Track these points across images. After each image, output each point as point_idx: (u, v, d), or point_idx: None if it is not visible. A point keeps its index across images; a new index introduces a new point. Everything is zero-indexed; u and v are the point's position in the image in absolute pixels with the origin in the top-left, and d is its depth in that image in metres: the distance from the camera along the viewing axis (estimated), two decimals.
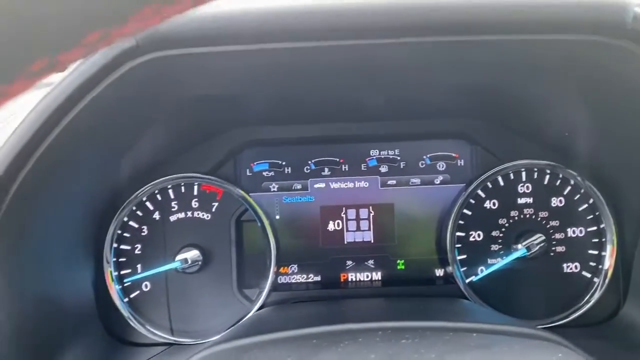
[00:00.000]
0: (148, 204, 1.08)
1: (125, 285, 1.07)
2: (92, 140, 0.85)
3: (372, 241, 1.13)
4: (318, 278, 1.13)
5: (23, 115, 0.74)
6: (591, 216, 1.09)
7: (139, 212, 1.08)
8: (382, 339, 0.73)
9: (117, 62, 0.70)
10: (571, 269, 1.09)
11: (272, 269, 1.09)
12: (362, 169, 1.13)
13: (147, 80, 0.75)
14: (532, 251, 1.07)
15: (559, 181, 1.09)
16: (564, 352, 0.69)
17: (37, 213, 0.84)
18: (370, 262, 1.13)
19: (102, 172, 0.98)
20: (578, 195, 1.09)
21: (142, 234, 1.08)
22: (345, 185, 1.13)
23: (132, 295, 1.08)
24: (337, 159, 1.13)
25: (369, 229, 1.13)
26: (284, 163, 1.13)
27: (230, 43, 0.65)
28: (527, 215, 1.09)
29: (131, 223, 1.08)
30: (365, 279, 1.13)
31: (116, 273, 1.07)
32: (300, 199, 1.13)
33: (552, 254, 1.09)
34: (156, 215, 1.08)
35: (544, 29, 0.68)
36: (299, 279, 1.13)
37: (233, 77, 0.80)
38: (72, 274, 0.99)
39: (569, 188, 1.09)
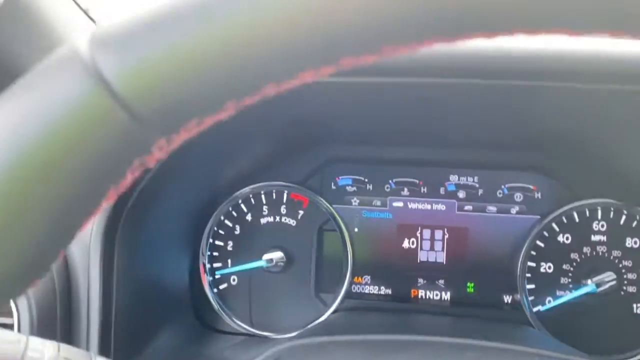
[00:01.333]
0: (242, 205, 1.20)
1: (216, 277, 1.20)
2: (201, 157, 0.98)
3: (445, 262, 1.19)
4: (389, 291, 1.20)
5: None
6: None
7: (234, 213, 1.20)
8: (446, 352, 0.80)
9: None
10: None
11: (348, 277, 1.18)
12: (441, 192, 1.20)
13: (255, 109, 0.86)
14: (602, 288, 1.09)
15: (635, 222, 1.11)
16: None
17: (152, 209, 0.97)
18: (441, 282, 1.19)
19: (206, 181, 1.11)
20: None
21: (235, 232, 1.20)
22: (423, 206, 1.20)
23: (221, 287, 1.20)
24: (417, 181, 1.20)
25: (443, 250, 1.19)
26: (366, 180, 1.21)
27: (334, 75, 0.75)
28: (600, 253, 1.12)
29: (226, 222, 1.20)
30: (435, 297, 1.19)
31: (209, 265, 1.19)
32: (378, 215, 1.21)
33: (622, 293, 1.11)
34: (248, 217, 1.20)
35: (618, 79, 0.73)
36: (371, 290, 1.21)
37: (333, 106, 0.90)
38: (174, 266, 1.13)
39: None
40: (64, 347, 0.64)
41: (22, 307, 0.78)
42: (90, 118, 0.32)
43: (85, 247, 0.86)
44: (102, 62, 0.32)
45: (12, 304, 0.80)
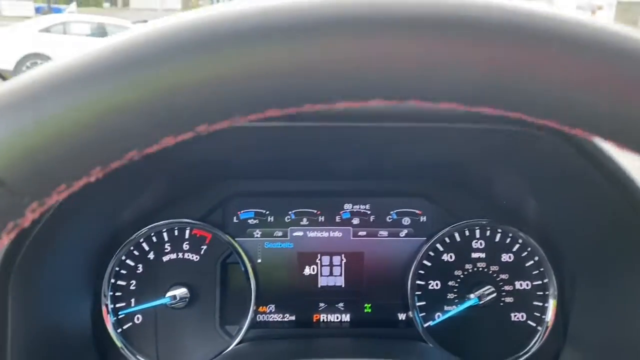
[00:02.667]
0: (144, 244, 1.22)
1: (120, 317, 1.20)
2: (98, 198, 0.99)
3: (343, 286, 1.26)
4: (293, 318, 1.26)
5: None
6: (536, 271, 1.23)
7: (135, 252, 1.21)
8: None
9: None
10: (518, 318, 1.23)
11: (252, 307, 1.22)
12: (337, 220, 1.28)
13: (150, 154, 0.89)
14: (483, 301, 1.20)
15: (508, 239, 1.24)
16: None
17: (48, 253, 0.97)
18: (341, 305, 1.26)
19: (106, 219, 1.12)
20: (525, 253, 1.24)
21: (137, 271, 1.21)
22: (321, 234, 1.27)
23: (125, 327, 1.20)
24: (315, 211, 1.27)
25: (341, 275, 1.27)
26: (267, 212, 1.27)
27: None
28: (480, 268, 1.24)
29: (128, 261, 1.21)
30: (336, 320, 1.26)
31: (112, 306, 1.19)
32: (280, 245, 1.27)
33: (501, 303, 1.23)
34: (151, 255, 1.22)
35: (478, 119, 0.84)
36: (275, 318, 1.26)
37: (230, 148, 0.95)
38: (74, 306, 1.12)
39: (517, 245, 1.24)
40: None
41: None
42: None
43: None
44: None
45: None
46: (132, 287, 1.21)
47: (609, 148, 0.87)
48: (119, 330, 1.19)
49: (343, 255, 1.27)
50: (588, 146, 0.85)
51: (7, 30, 12.03)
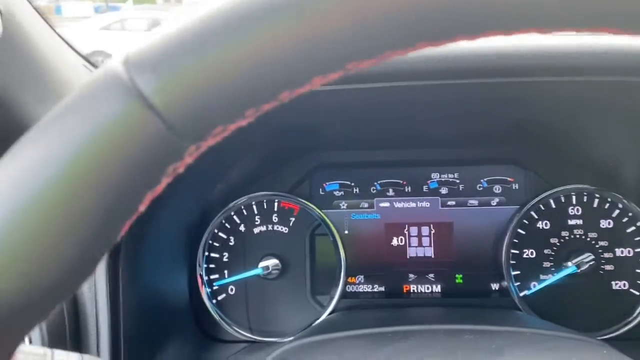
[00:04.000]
0: (235, 217, 1.24)
1: (214, 288, 1.23)
2: (196, 170, 1.01)
3: (433, 256, 1.24)
4: (382, 288, 1.25)
5: None
6: (638, 237, 1.17)
7: (227, 225, 1.24)
8: (444, 337, 0.85)
9: None
10: (619, 286, 1.18)
11: (342, 278, 1.22)
12: (424, 190, 1.25)
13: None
14: (582, 269, 1.16)
15: (607, 204, 1.19)
16: (610, 351, 0.79)
17: (150, 225, 1.00)
18: (431, 275, 1.24)
19: (199, 194, 1.15)
20: (626, 219, 1.18)
21: (230, 243, 1.23)
22: (408, 205, 1.26)
23: (219, 298, 1.23)
24: (401, 181, 1.26)
25: (430, 245, 1.25)
26: (352, 184, 1.26)
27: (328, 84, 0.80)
28: (578, 236, 1.19)
29: (220, 234, 1.23)
30: (426, 291, 1.24)
31: (206, 278, 1.22)
32: (367, 217, 1.26)
33: (601, 272, 1.18)
34: (242, 228, 1.24)
35: (590, 72, 0.80)
36: (365, 289, 1.25)
37: (320, 112, 0.95)
38: (174, 279, 1.16)
39: (617, 211, 1.18)
40: (88, 357, 0.67)
41: None
42: (131, 131, 0.36)
43: None
44: (139, 80, 0.36)
45: None
46: (225, 259, 1.23)
47: None
48: (214, 301, 1.22)
49: (432, 226, 1.25)
50: None
51: (69, 30, 12.54)
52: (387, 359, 0.72)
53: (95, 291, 0.90)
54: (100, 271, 0.88)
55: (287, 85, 0.38)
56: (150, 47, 0.37)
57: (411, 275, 1.25)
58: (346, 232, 1.26)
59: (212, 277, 1.23)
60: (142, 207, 0.40)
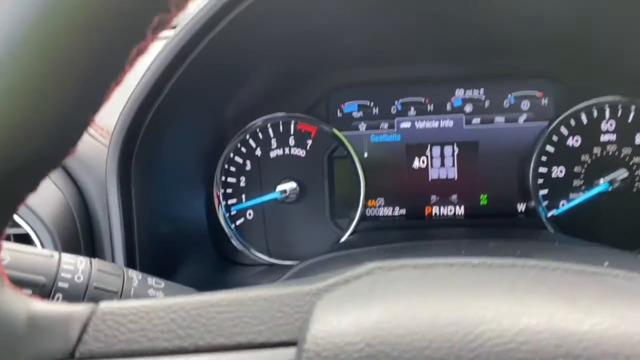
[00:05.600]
0: (251, 141, 1.20)
1: (232, 213, 1.21)
2: (204, 86, 0.97)
3: (456, 178, 1.19)
4: (403, 211, 1.22)
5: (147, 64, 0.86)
6: None
7: (242, 149, 1.21)
8: (468, 247, 0.82)
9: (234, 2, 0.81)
10: None
11: (361, 201, 1.19)
12: (447, 108, 1.19)
13: (256, 20, 0.85)
14: (615, 186, 1.10)
15: None
16: None
17: (162, 142, 0.98)
18: (454, 197, 1.20)
19: (213, 111, 1.11)
20: None
21: (246, 168, 1.21)
22: (431, 124, 1.20)
23: (237, 222, 1.21)
24: (423, 99, 1.20)
25: (453, 166, 1.19)
26: (371, 104, 1.21)
27: None
28: (611, 152, 1.12)
29: (236, 158, 1.21)
30: (449, 213, 1.20)
31: (224, 202, 1.20)
32: (387, 138, 1.21)
33: (635, 189, 1.11)
34: (258, 152, 1.21)
35: None
36: (385, 212, 1.22)
37: (333, 16, 0.89)
38: (190, 201, 1.15)
39: None
40: (97, 261, 0.66)
41: (40, 230, 0.80)
42: None
43: (101, 178, 0.87)
44: None
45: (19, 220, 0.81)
46: (242, 184, 1.21)
47: None
48: (232, 225, 1.21)
49: (455, 145, 1.19)
50: None
51: None
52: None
53: (109, 212, 0.88)
54: (112, 184, 0.86)
55: None
56: None
57: (433, 197, 1.20)
58: (365, 154, 1.21)
59: (229, 201, 1.21)
60: (128, 66, 0.36)
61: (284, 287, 0.41)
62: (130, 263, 0.88)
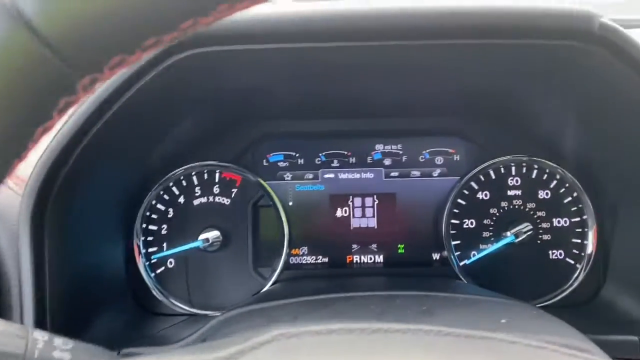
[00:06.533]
0: (174, 188, 1.20)
1: (153, 261, 1.19)
2: (127, 135, 0.97)
3: (376, 227, 1.24)
4: (326, 259, 1.25)
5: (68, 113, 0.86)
6: (575, 208, 1.20)
7: (165, 196, 1.20)
8: (379, 301, 0.85)
9: (161, 58, 0.82)
10: (556, 255, 1.20)
11: (285, 250, 1.21)
12: (368, 161, 1.25)
13: (184, 74, 0.87)
14: (520, 238, 1.18)
15: (545, 175, 1.21)
16: (540, 312, 0.81)
17: (80, 192, 0.96)
18: (374, 245, 1.24)
19: (135, 161, 1.11)
20: (563, 189, 1.20)
21: (168, 215, 1.20)
22: (353, 176, 1.25)
23: (158, 271, 1.19)
24: (345, 152, 1.25)
25: (373, 216, 1.24)
26: (297, 155, 1.25)
27: (262, 42, 0.78)
28: (516, 206, 1.21)
29: (159, 206, 1.20)
30: (369, 261, 1.24)
31: (144, 250, 1.18)
32: (311, 188, 1.25)
33: (539, 241, 1.20)
34: (181, 199, 1.20)
35: (521, 34, 0.80)
36: (309, 260, 1.24)
37: (261, 73, 0.92)
38: (107, 251, 1.12)
39: (554, 182, 1.21)
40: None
41: None
42: (13, 55, 0.33)
43: (13, 231, 0.84)
44: (21, 3, 0.33)
45: None
46: (163, 232, 1.20)
47: None
48: (152, 274, 1.19)
49: (375, 197, 1.25)
50: (635, 56, 0.80)
51: None
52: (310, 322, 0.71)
53: (19, 260, 0.85)
54: (24, 238, 0.83)
55: (191, 13, 0.36)
56: None
57: (354, 246, 1.24)
58: (290, 203, 1.24)
59: (150, 250, 1.19)
60: (32, 145, 0.37)
61: (187, 354, 0.42)
62: (41, 318, 0.84)
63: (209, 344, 0.45)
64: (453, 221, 1.21)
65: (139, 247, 1.18)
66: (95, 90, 0.37)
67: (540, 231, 1.20)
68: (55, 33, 0.34)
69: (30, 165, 0.86)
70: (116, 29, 0.35)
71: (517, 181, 1.21)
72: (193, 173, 1.21)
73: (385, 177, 1.25)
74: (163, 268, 1.20)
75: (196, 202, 1.21)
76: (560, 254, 1.20)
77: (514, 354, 0.43)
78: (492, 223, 1.21)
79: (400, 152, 1.25)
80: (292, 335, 0.45)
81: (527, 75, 0.97)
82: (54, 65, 0.35)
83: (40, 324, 0.83)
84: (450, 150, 1.24)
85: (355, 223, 1.24)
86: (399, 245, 1.24)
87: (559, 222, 1.20)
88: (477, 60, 0.90)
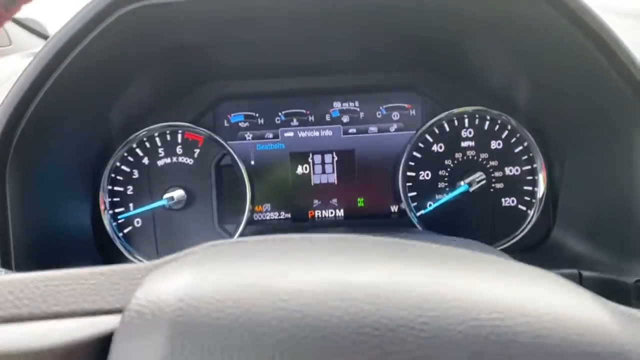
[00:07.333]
0: (138, 150, 1.23)
1: (120, 221, 1.23)
2: (82, 92, 1.00)
3: (336, 182, 1.29)
4: (289, 215, 1.29)
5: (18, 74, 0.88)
6: (525, 157, 1.25)
7: (129, 158, 1.23)
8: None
9: (105, 13, 0.85)
10: (509, 202, 1.26)
11: (248, 207, 1.25)
12: (327, 119, 1.29)
13: (132, 30, 0.89)
14: (474, 187, 1.23)
15: (497, 126, 1.25)
16: (482, 246, 0.86)
17: (41, 148, 0.98)
18: (334, 200, 1.29)
19: (93, 122, 1.13)
20: (514, 139, 1.25)
21: (133, 177, 1.23)
22: (312, 134, 1.29)
23: (125, 231, 1.23)
24: (304, 111, 1.29)
25: (333, 172, 1.29)
26: (257, 115, 1.28)
27: None
28: (470, 157, 1.25)
29: (123, 167, 1.23)
30: (330, 215, 1.29)
31: (111, 211, 1.22)
32: (272, 147, 1.28)
33: (492, 189, 1.25)
34: (145, 160, 1.24)
35: None
36: (272, 216, 1.29)
37: (204, 26, 0.95)
38: (74, 209, 1.15)
39: (506, 132, 1.25)
40: None
41: None
42: None
43: None
44: None
45: None
46: (129, 192, 1.23)
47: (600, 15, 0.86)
48: (120, 234, 1.22)
49: (334, 153, 1.29)
50: (578, 12, 0.84)
51: None
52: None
53: None
54: None
55: None
56: None
57: (316, 201, 1.29)
58: (252, 162, 1.28)
59: (117, 210, 1.23)
60: None
61: (124, 265, 0.46)
62: (6, 265, 0.88)
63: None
64: (409, 173, 1.25)
65: (105, 207, 1.21)
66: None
67: (493, 180, 1.25)
68: None
69: None
70: None
71: (470, 132, 1.26)
72: (156, 134, 1.24)
73: (344, 134, 1.29)
74: (130, 227, 1.23)
75: (160, 162, 1.24)
76: (513, 201, 1.26)
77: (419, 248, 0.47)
78: (447, 174, 1.26)
79: (358, 109, 1.29)
80: (224, 244, 0.49)
81: (474, 27, 1.00)
82: None
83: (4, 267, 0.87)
84: (406, 106, 1.28)
85: (315, 179, 1.29)
86: (359, 199, 1.29)
87: (510, 170, 1.25)
88: (423, 9, 0.94)
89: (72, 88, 0.93)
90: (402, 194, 1.24)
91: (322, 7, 0.92)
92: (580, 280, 0.98)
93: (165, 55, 1.04)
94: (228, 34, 1.00)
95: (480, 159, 1.26)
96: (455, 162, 1.26)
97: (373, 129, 1.29)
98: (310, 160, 1.29)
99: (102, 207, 1.21)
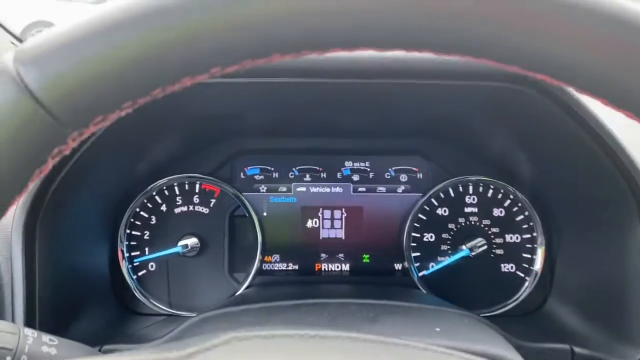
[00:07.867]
0: (157, 197, 1.30)
1: (135, 264, 1.29)
2: (114, 151, 1.07)
3: (344, 238, 1.35)
4: (296, 267, 1.35)
5: None
6: (526, 225, 1.31)
7: (149, 204, 1.29)
8: (335, 307, 0.95)
9: None
10: (507, 268, 1.31)
11: (258, 257, 1.31)
12: (338, 177, 1.35)
13: (168, 103, 0.96)
14: (475, 252, 1.29)
15: (500, 195, 1.32)
16: (477, 324, 0.91)
17: (69, 201, 1.05)
18: (341, 255, 1.35)
19: (121, 174, 1.20)
20: (516, 208, 1.31)
21: (151, 222, 1.29)
22: (323, 189, 1.35)
23: (139, 274, 1.29)
24: (317, 168, 1.35)
25: (341, 228, 1.35)
26: (272, 169, 1.35)
27: (240, 76, 0.87)
28: (473, 222, 1.31)
29: (142, 213, 1.29)
30: (336, 269, 1.34)
31: (127, 254, 1.28)
32: (284, 200, 1.35)
33: (492, 255, 1.31)
34: (163, 207, 1.30)
35: (462, 76, 0.90)
36: (280, 267, 1.34)
37: (231, 102, 1.02)
38: (93, 255, 1.21)
39: (508, 201, 1.31)
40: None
41: None
42: (18, 118, 0.43)
43: (7, 238, 0.93)
44: (25, 75, 0.43)
45: None
46: (146, 237, 1.29)
47: (584, 98, 0.92)
48: (134, 277, 1.28)
49: (344, 209, 1.35)
50: (564, 97, 0.91)
51: None
52: (267, 327, 0.81)
53: (12, 263, 0.94)
54: (17, 244, 0.92)
55: (159, 83, 0.46)
56: (37, 45, 0.43)
57: (323, 255, 1.35)
58: (265, 214, 1.34)
59: (133, 253, 1.29)
60: (31, 183, 0.47)
61: (151, 353, 0.52)
62: (31, 317, 0.94)
63: (174, 344, 0.54)
64: (414, 234, 1.31)
65: (122, 251, 1.27)
66: (82, 138, 0.46)
67: (494, 246, 1.31)
68: (52, 101, 0.44)
69: None
70: (99, 97, 0.45)
71: (473, 199, 1.32)
72: (175, 184, 1.30)
73: (353, 192, 1.35)
74: (145, 271, 1.29)
75: (177, 210, 1.30)
76: (511, 268, 1.31)
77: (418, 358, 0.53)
78: (449, 237, 1.31)
79: (368, 169, 1.35)
80: (244, 338, 0.55)
81: (471, 109, 1.07)
82: (51, 125, 0.44)
83: (30, 322, 0.92)
84: (414, 169, 1.35)
85: (324, 234, 1.35)
86: (364, 255, 1.35)
87: (511, 238, 1.31)
88: (427, 95, 1.01)
89: (106, 149, 1.00)
90: (406, 254, 1.30)
91: (343, 95, 0.99)
92: (573, 357, 1.03)
93: (186, 122, 1.11)
94: (248, 108, 1.08)
95: (482, 225, 1.31)
96: (459, 226, 1.32)
97: (381, 188, 1.35)
98: (320, 214, 1.35)
99: (120, 252, 1.27)
